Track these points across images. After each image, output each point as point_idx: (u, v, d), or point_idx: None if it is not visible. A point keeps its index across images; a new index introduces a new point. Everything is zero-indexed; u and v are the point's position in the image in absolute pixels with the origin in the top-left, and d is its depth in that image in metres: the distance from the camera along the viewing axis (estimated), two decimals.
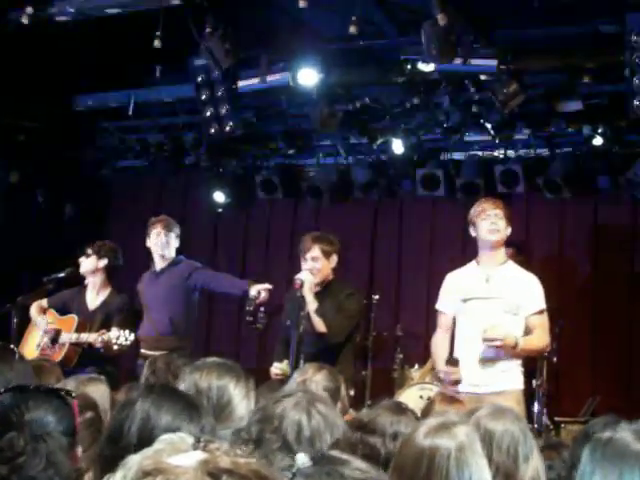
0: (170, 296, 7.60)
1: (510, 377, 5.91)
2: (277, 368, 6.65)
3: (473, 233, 6.29)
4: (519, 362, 5.99)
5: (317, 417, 2.78)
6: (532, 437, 3.21)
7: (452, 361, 5.94)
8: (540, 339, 5.95)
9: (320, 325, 6.60)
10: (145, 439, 2.53)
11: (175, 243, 7.79)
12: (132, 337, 7.10)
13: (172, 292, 7.60)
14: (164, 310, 7.59)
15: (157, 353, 6.90)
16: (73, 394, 2.70)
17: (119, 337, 7.03)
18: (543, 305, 5.99)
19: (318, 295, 6.72)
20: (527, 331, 5.94)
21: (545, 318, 6.00)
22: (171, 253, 7.77)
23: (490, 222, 6.08)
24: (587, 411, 8.97)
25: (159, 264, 7.77)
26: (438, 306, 6.37)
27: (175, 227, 7.82)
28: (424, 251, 10.85)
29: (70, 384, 3.84)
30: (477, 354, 5.91)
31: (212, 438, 2.56)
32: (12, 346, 7.20)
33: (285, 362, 6.58)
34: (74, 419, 2.64)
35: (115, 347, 7.04)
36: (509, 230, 6.14)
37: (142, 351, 7.48)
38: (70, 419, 2.62)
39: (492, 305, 5.94)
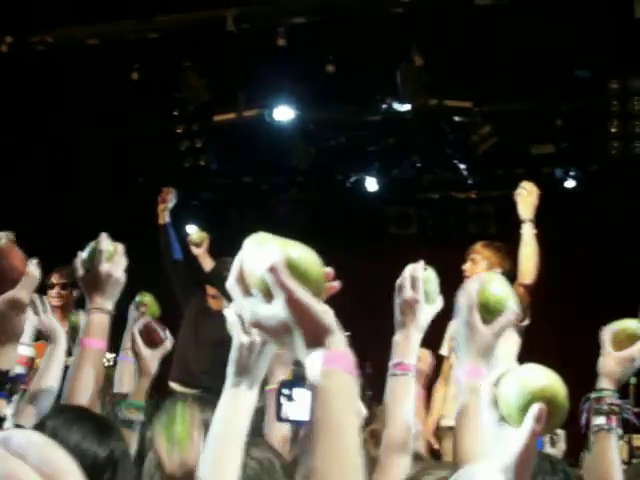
0: (220, 342, 6.88)
1: None
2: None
3: None
4: None
5: (252, 463, 2.60)
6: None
7: None
8: None
9: None
10: None
11: None
12: (112, 361, 6.91)
13: (224, 339, 6.80)
14: (208, 351, 6.96)
15: (188, 390, 6.57)
16: None
17: None
18: None
19: None
20: None
21: None
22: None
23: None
24: None
25: (213, 303, 7.20)
26: None
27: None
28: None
29: None
30: None
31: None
32: None
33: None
34: None
35: None
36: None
37: (171, 384, 6.96)
38: None
39: None
